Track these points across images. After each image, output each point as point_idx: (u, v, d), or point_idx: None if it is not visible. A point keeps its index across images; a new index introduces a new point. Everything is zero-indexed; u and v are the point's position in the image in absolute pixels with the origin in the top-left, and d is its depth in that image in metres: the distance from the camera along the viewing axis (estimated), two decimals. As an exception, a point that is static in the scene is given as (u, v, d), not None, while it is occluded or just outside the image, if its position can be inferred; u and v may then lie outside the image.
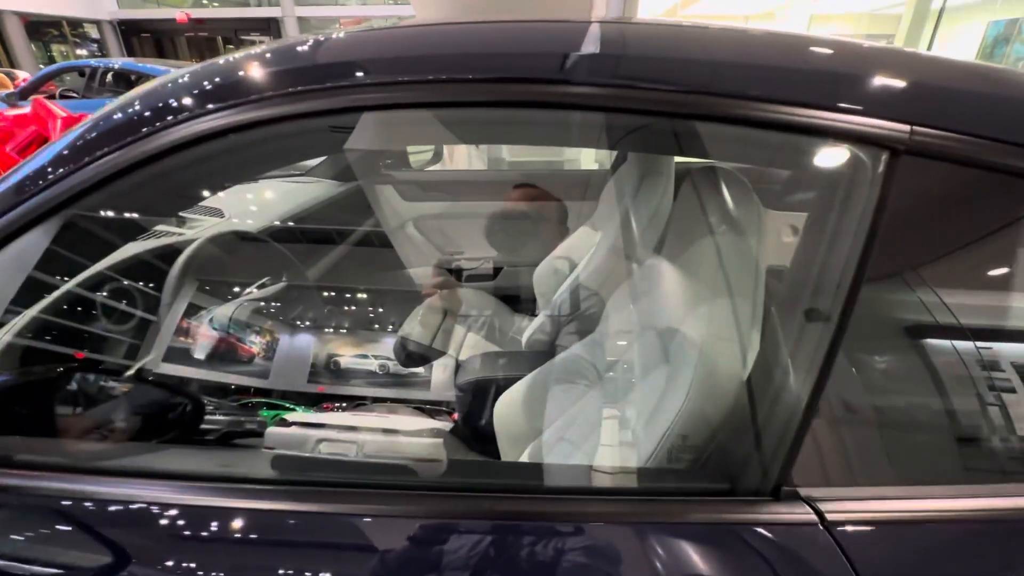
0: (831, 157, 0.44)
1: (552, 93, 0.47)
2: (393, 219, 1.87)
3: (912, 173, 0.39)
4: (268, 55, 0.57)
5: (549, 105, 0.48)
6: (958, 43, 6.92)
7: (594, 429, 0.84)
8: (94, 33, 14.57)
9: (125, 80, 5.81)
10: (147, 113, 0.52)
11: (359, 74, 0.50)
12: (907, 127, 0.40)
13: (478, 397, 1.19)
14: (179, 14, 13.77)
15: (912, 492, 0.42)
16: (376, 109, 0.51)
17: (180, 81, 0.56)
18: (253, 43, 15.46)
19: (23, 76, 8.86)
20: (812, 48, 0.51)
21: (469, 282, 1.92)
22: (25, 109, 4.04)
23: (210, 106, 0.49)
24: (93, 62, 5.95)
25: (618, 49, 0.51)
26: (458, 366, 1.29)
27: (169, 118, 0.50)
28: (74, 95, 5.88)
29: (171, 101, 0.52)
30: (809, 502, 0.42)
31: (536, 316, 1.43)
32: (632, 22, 0.63)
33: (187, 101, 0.51)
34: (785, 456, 0.42)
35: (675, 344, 0.65)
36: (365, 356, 1.26)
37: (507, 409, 1.04)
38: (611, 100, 0.46)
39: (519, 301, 1.84)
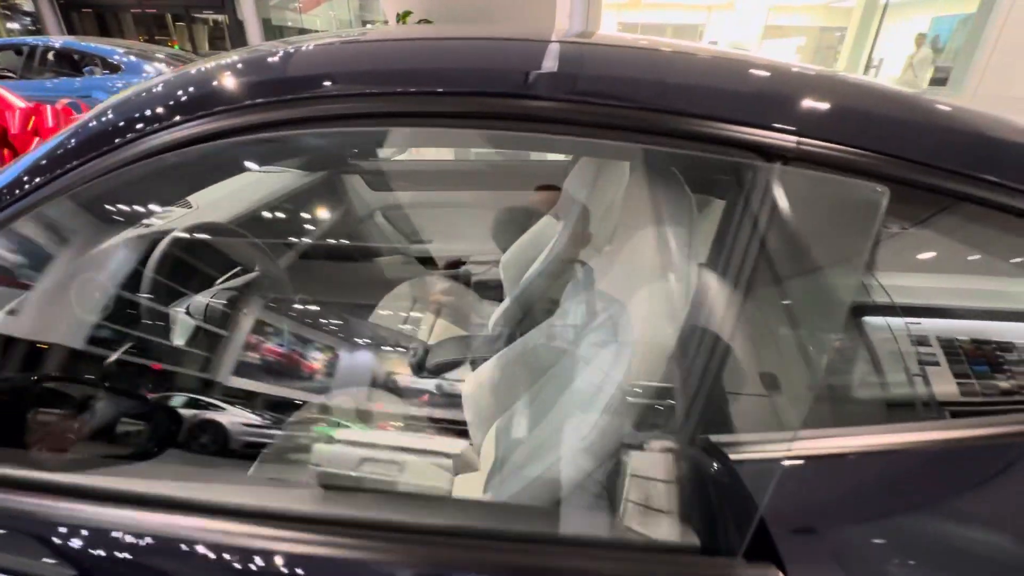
0: (730, 163, 0.52)
1: (514, 106, 0.53)
2: (361, 208, 1.89)
3: (797, 179, 0.47)
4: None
5: (512, 117, 0.54)
6: (903, 36, 7.25)
7: (549, 412, 0.92)
8: (27, 6, 13.54)
9: (68, 60, 5.49)
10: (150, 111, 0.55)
11: (327, 84, 0.55)
12: (795, 139, 0.48)
13: (448, 378, 1.26)
14: (124, -11, 12.95)
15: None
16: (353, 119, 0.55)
17: (160, 89, 0.59)
18: (205, 22, 14.72)
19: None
20: (722, 67, 0.59)
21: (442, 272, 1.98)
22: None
23: (199, 112, 0.53)
24: (31, 40, 5.60)
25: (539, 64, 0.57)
26: (427, 351, 1.35)
27: (150, 126, 0.54)
28: (10, 75, 5.52)
29: (149, 110, 0.56)
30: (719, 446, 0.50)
31: (503, 300, 1.50)
32: (562, 41, 0.68)
33: (162, 111, 0.55)
34: (700, 411, 0.51)
35: (623, 322, 0.73)
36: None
37: (474, 389, 1.11)
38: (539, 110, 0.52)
39: (486, 288, 1.90)
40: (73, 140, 0.59)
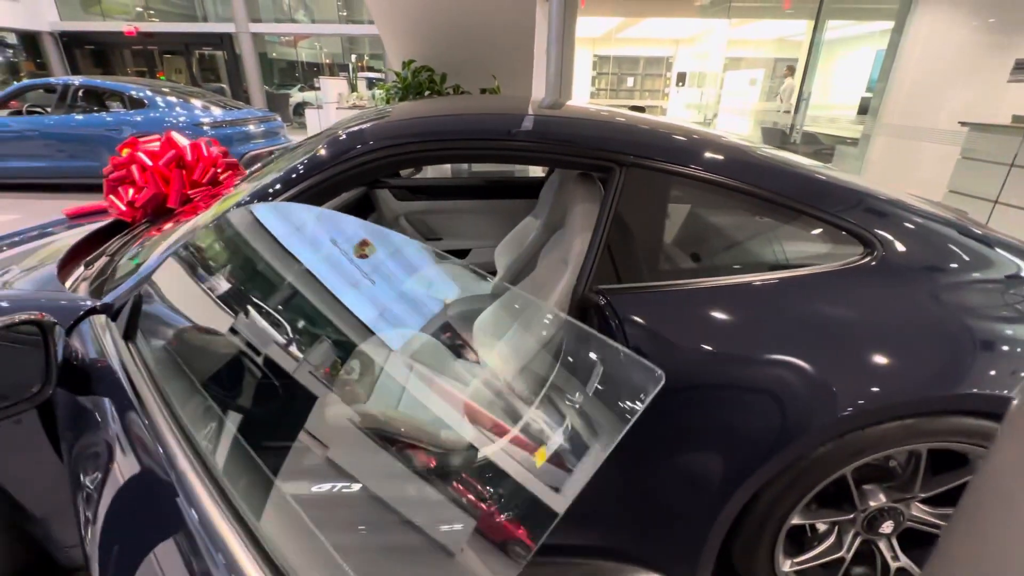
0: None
1: (504, 145, 1.13)
2: (389, 214, 2.49)
3: (631, 178, 1.09)
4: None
5: (503, 151, 1.14)
6: (849, 64, 8.09)
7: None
8: (10, 39, 14.09)
9: (96, 97, 6.07)
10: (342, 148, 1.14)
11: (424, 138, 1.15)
12: (630, 156, 1.09)
13: (463, 320, 1.84)
14: (126, 27, 13.65)
15: None
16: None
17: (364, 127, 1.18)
18: (205, 56, 15.42)
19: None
20: (608, 122, 1.23)
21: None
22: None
23: (371, 143, 1.12)
24: (62, 79, 6.14)
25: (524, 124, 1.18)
26: (446, 306, 1.94)
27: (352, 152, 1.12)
28: (40, 111, 6.06)
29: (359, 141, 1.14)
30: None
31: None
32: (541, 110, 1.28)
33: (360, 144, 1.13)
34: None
35: (569, 257, 1.32)
36: None
37: (482, 323, 1.69)
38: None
39: (485, 271, 2.50)
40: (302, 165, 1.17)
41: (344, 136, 1.17)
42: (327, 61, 16.55)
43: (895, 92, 5.12)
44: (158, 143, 1.62)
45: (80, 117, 5.82)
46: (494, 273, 2.37)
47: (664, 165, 1.09)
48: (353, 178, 1.14)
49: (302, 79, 16.02)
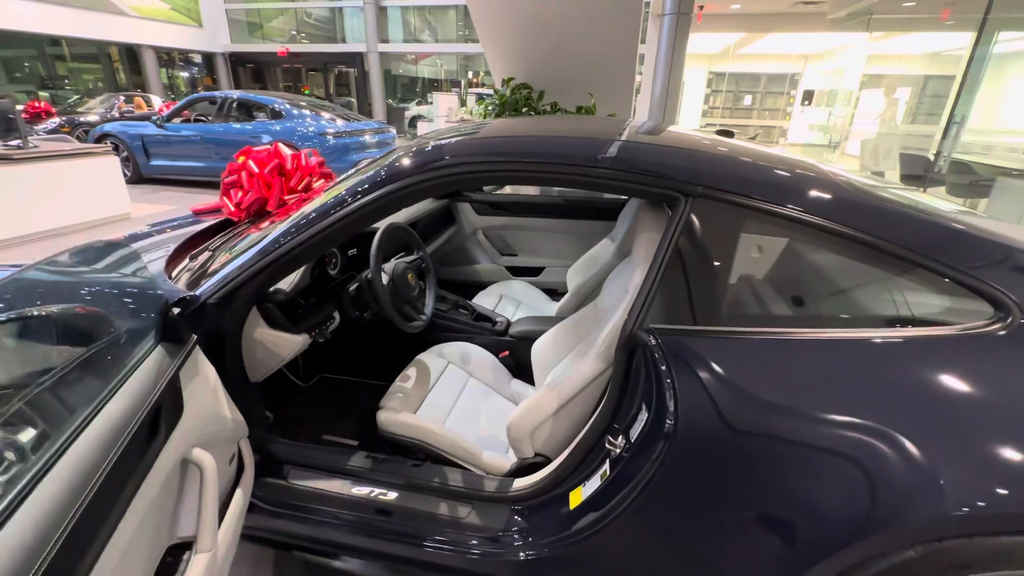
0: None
1: (571, 171, 1.09)
2: (468, 227, 2.56)
3: (698, 210, 0.99)
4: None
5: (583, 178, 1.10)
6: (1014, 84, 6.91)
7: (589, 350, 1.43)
8: (196, 59, 16.80)
9: (246, 108, 7.02)
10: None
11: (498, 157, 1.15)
12: (698, 186, 0.99)
13: (523, 340, 1.81)
14: (280, 48, 15.72)
15: None
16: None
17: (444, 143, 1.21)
18: (340, 73, 17.23)
19: (153, 99, 10.61)
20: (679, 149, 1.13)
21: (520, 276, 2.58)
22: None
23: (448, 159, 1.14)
24: (220, 93, 7.19)
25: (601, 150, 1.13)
26: (509, 323, 1.93)
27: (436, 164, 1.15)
28: (204, 119, 7.14)
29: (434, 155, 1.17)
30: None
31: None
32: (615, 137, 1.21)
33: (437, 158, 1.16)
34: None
35: (629, 287, 1.24)
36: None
37: (541, 347, 1.64)
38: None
39: (555, 293, 2.46)
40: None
41: (427, 148, 1.20)
42: (445, 78, 17.64)
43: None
44: (267, 152, 1.81)
45: (235, 126, 6.78)
46: (565, 293, 2.30)
47: (737, 198, 0.98)
48: (429, 189, 1.16)
49: (421, 94, 17.23)
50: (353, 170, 1.46)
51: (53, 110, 9.73)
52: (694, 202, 1.00)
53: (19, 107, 9.44)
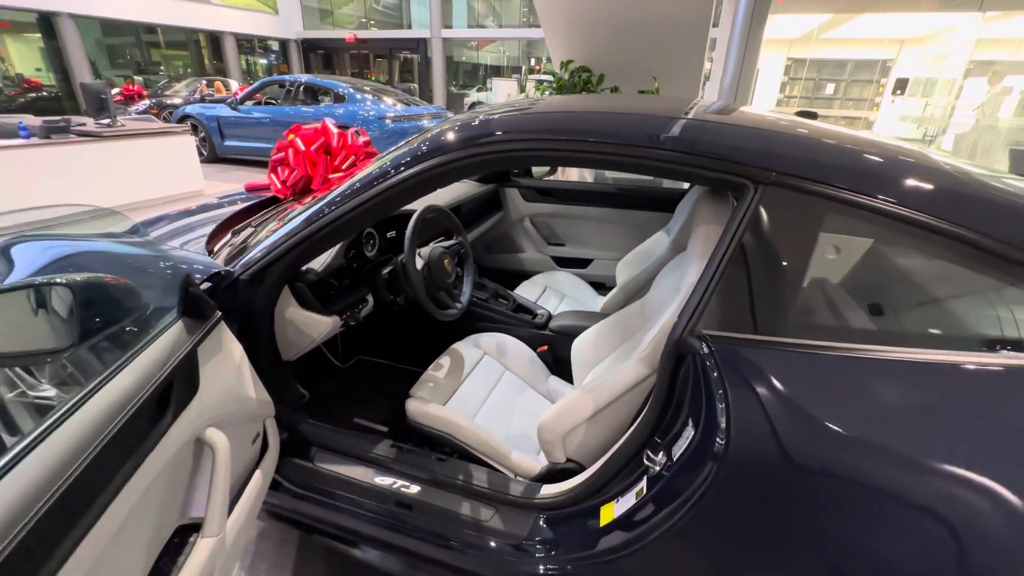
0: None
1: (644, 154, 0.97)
2: (515, 214, 2.47)
3: (769, 200, 0.84)
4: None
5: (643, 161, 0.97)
6: None
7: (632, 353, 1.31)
8: (274, 46, 17.62)
9: (312, 92, 7.26)
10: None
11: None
12: (771, 172, 0.84)
13: (564, 336, 1.71)
14: (348, 35, 16.18)
15: None
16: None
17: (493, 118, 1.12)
18: (405, 59, 17.54)
19: (231, 83, 11.24)
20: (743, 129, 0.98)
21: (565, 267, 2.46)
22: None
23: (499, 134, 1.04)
24: (288, 77, 7.47)
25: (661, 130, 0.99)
26: (551, 317, 1.83)
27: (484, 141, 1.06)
28: (273, 102, 7.45)
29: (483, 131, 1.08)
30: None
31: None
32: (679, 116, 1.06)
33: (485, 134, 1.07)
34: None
35: (682, 288, 1.11)
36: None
37: (581, 344, 1.54)
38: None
39: (603, 287, 2.33)
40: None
41: (474, 122, 1.12)
42: (507, 64, 17.53)
43: None
44: (314, 130, 1.80)
45: (302, 108, 7.04)
46: (613, 287, 2.17)
47: (818, 187, 0.83)
48: (473, 166, 1.08)
49: (482, 81, 17.22)
50: (395, 147, 1.41)
51: (144, 93, 10.54)
52: (765, 190, 0.85)
53: (116, 90, 10.31)
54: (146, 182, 5.05)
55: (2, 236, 0.91)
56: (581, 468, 1.19)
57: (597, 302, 2.16)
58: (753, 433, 0.77)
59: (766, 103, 13.41)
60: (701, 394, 0.84)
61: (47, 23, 11.11)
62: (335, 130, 1.81)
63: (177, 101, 9.43)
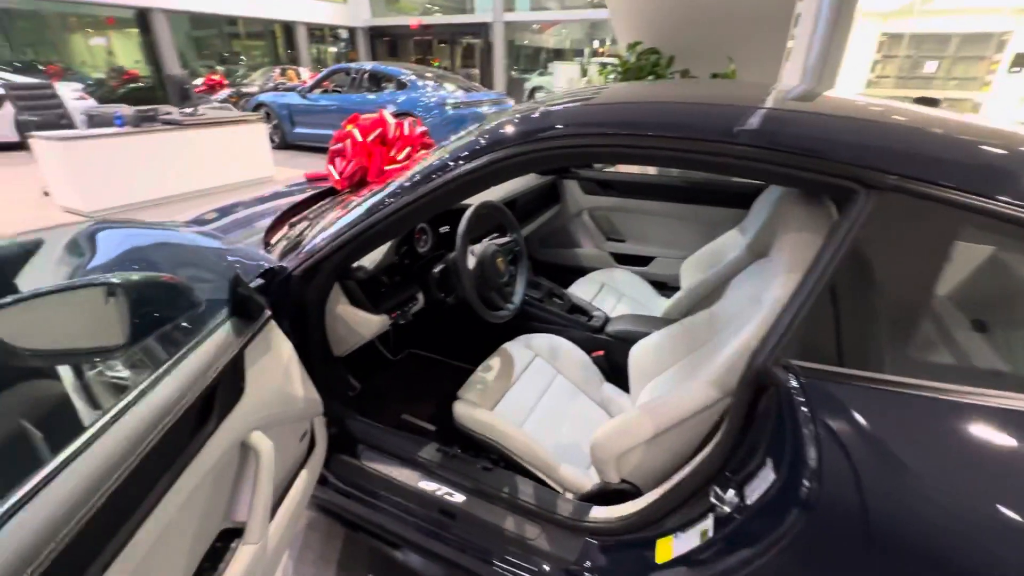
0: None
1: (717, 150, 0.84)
2: (573, 207, 2.35)
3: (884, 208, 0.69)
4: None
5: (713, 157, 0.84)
6: None
7: (698, 369, 1.19)
8: (344, 34, 18.13)
9: (376, 79, 7.39)
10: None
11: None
12: (890, 175, 0.69)
13: (622, 341, 1.60)
14: (412, 21, 16.37)
15: None
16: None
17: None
18: (461, 44, 17.55)
19: (303, 71, 11.71)
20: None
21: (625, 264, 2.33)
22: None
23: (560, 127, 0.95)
24: (354, 65, 7.64)
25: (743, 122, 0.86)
26: (607, 320, 1.72)
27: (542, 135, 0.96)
28: (340, 90, 7.66)
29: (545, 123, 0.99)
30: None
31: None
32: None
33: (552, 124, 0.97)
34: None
35: (763, 302, 0.97)
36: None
37: (641, 352, 1.43)
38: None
39: (665, 287, 2.18)
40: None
41: (536, 115, 1.03)
42: (570, 47, 17.09)
43: None
44: (371, 121, 1.77)
45: (366, 96, 7.20)
46: (676, 289, 2.02)
47: (955, 195, 0.67)
48: (534, 162, 1.00)
49: (544, 65, 16.89)
50: (451, 139, 1.34)
51: (225, 82, 11.17)
52: (880, 198, 0.71)
53: (199, 80, 11.01)
54: (221, 168, 5.35)
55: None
56: (636, 490, 1.10)
57: (658, 304, 2.02)
58: (850, 487, 0.65)
59: (853, 83, 12.22)
60: (786, 434, 0.72)
61: (143, 18, 12.01)
62: (392, 120, 1.78)
63: (253, 89, 9.93)
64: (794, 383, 0.71)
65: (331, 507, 1.30)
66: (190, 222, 1.62)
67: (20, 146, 4.69)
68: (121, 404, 0.63)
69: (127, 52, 12.93)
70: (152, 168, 4.76)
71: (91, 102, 7.38)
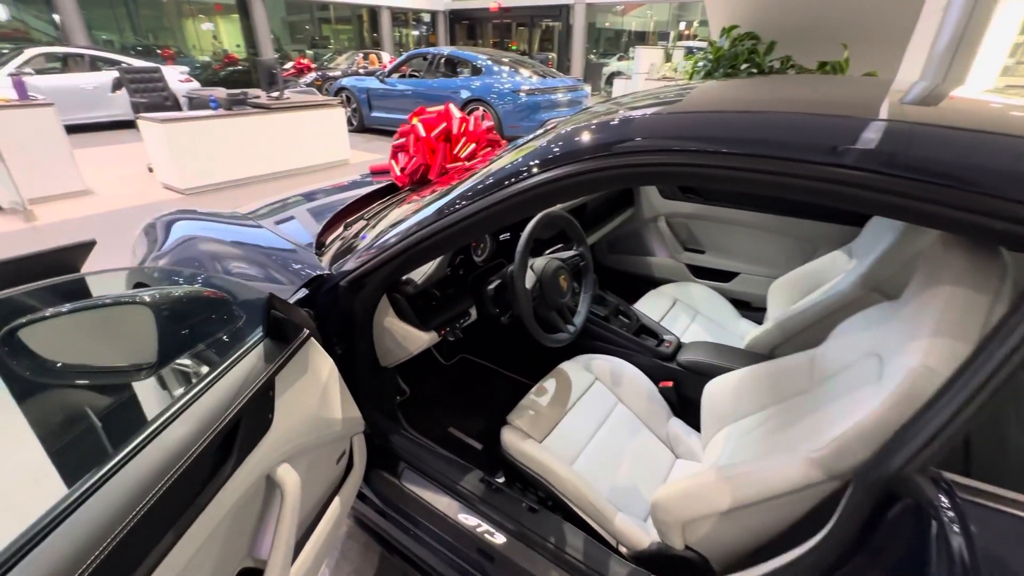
0: None
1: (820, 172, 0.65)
2: (649, 211, 2.15)
3: None
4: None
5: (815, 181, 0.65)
6: None
7: (788, 429, 0.99)
8: (426, 18, 18.39)
9: (451, 64, 7.38)
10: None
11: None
12: None
13: (695, 374, 1.42)
14: (492, 4, 16.24)
15: None
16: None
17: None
18: (540, 27, 17.19)
19: (383, 55, 11.99)
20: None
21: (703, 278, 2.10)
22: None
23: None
24: (431, 50, 7.66)
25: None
26: (680, 346, 1.53)
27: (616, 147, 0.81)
28: (417, 75, 7.73)
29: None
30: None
31: (762, 323, 1.54)
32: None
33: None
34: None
35: (893, 367, 0.77)
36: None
37: (718, 390, 1.24)
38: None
39: (748, 307, 1.94)
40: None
41: (614, 122, 0.87)
42: (654, 30, 16.26)
43: None
44: (436, 114, 1.68)
45: (441, 80, 7.21)
46: (761, 311, 1.79)
47: None
48: (610, 180, 0.83)
49: (625, 49, 16.20)
50: (523, 140, 1.21)
51: (312, 66, 11.69)
52: None
53: (289, 64, 11.60)
54: (301, 151, 5.58)
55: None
56: (704, 562, 0.94)
57: (738, 327, 1.80)
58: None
59: (985, 71, 10.57)
60: (928, 563, 0.55)
61: (244, 4, 12.81)
62: (458, 114, 1.67)
63: (337, 73, 10.30)
64: (944, 501, 0.53)
65: (368, 523, 1.25)
66: (258, 211, 1.62)
67: (134, 124, 5.14)
68: (139, 439, 0.58)
69: (231, 36, 13.91)
70: (240, 149, 5.04)
71: (194, 84, 7.98)
